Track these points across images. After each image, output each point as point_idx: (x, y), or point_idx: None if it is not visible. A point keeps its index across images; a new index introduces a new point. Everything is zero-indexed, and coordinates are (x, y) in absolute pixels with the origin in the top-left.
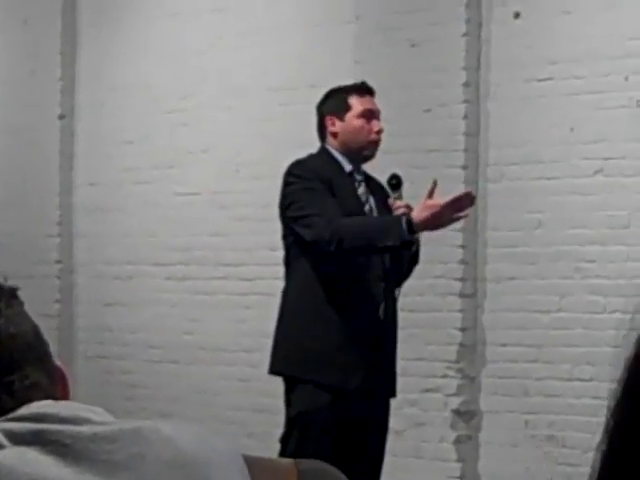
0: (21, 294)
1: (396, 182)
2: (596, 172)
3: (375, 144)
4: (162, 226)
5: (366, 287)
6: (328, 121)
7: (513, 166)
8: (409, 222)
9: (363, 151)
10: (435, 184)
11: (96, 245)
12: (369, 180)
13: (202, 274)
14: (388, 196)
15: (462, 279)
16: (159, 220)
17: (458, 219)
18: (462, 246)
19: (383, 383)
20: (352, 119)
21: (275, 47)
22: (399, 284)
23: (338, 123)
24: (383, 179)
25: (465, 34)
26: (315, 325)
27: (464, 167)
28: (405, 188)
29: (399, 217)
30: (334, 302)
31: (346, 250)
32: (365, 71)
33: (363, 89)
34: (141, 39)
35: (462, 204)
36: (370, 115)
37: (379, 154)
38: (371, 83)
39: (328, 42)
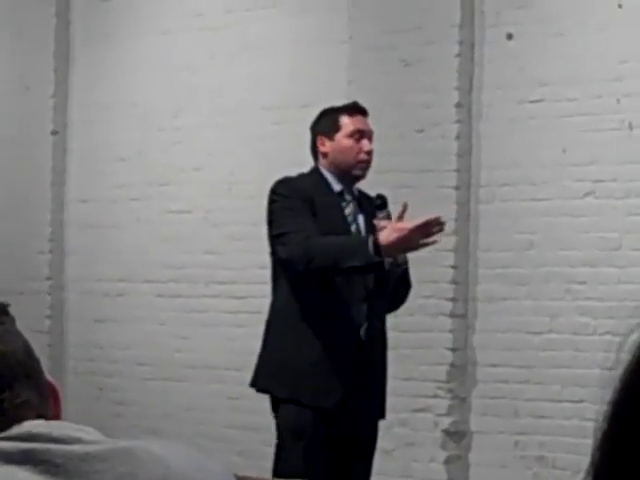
0: (11, 310)
1: (381, 202)
2: (587, 194)
3: (364, 164)
4: (154, 243)
5: (346, 308)
6: (319, 141)
7: (505, 187)
8: (376, 244)
9: (352, 171)
10: (405, 207)
11: (87, 262)
12: (363, 199)
13: (193, 292)
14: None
15: (453, 299)
16: (151, 237)
17: (426, 245)
18: (453, 266)
19: (368, 404)
20: (342, 139)
21: (268, 66)
22: (392, 309)
23: (328, 143)
24: None
25: (458, 55)
26: (293, 343)
27: (456, 188)
28: (396, 208)
29: (366, 238)
30: (312, 321)
31: (314, 270)
32: (358, 90)
33: (354, 109)
34: (134, 57)
35: (431, 229)
36: (360, 135)
37: (371, 173)
38: (364, 103)
39: (321, 61)
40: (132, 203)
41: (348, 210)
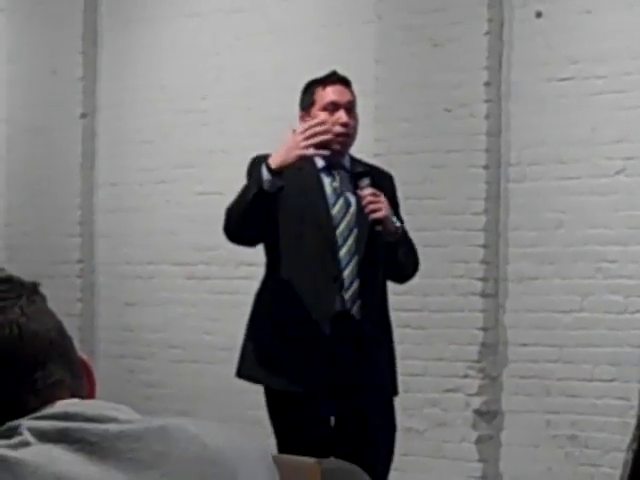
0: (43, 292)
1: (362, 170)
2: (617, 172)
3: (341, 137)
4: (183, 225)
5: (318, 290)
6: (301, 118)
7: (534, 166)
8: (267, 165)
9: (330, 145)
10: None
11: (117, 245)
12: (361, 175)
13: (223, 274)
14: (392, 189)
15: (484, 279)
16: (180, 219)
17: (314, 144)
18: (484, 246)
19: (372, 382)
20: (316, 113)
21: (295, 47)
22: (402, 279)
23: (307, 119)
24: (405, 179)
25: (487, 33)
26: (268, 327)
27: (485, 167)
28: (424, 188)
29: (261, 166)
30: (286, 303)
31: (235, 226)
32: (386, 70)
33: (328, 80)
34: (161, 39)
35: (314, 128)
36: (334, 107)
37: (400, 154)
38: (392, 82)
39: (349, 41)
40: (161, 185)
41: (335, 184)
